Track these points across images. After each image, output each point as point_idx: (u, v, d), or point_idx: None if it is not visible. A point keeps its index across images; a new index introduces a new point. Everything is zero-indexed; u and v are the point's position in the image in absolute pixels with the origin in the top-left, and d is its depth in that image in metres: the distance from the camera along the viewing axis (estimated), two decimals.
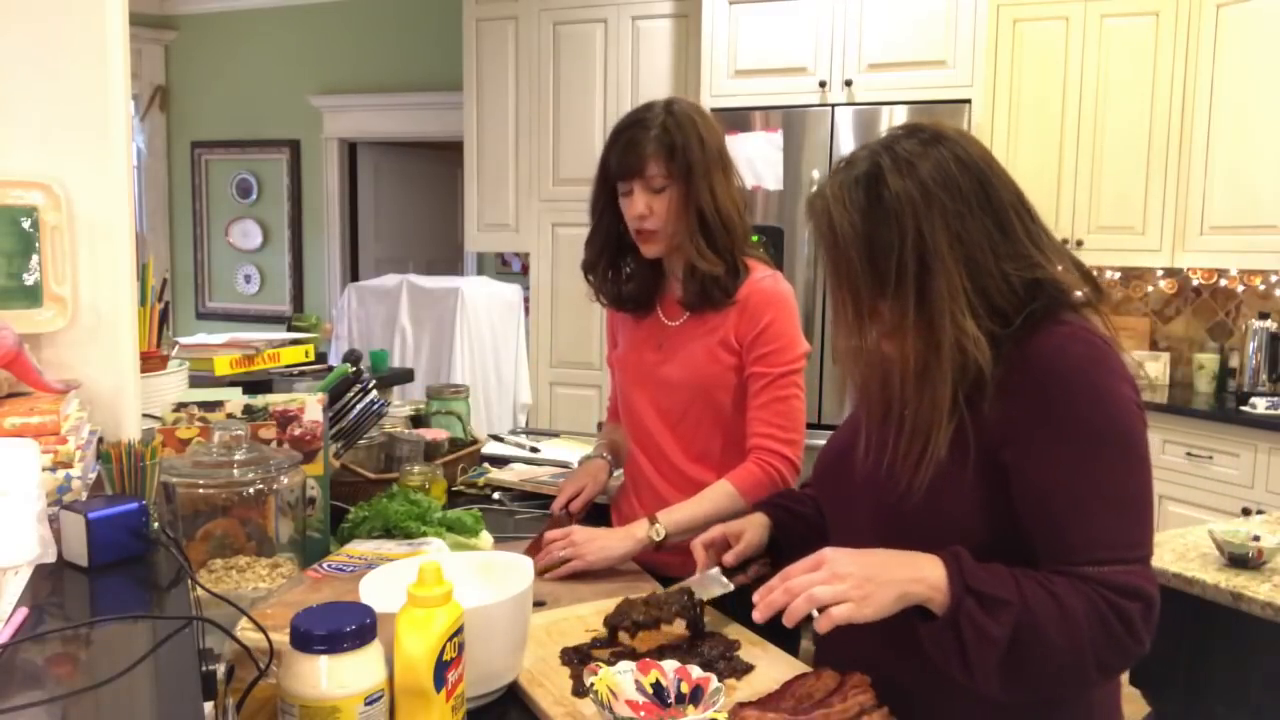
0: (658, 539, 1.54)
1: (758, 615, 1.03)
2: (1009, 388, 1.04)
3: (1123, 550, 1.01)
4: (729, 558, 1.31)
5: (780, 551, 1.34)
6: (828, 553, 1.04)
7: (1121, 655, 1.01)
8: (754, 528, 1.35)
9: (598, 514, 1.84)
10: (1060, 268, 1.09)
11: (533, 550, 1.59)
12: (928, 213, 1.05)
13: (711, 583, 1.29)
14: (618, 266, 1.76)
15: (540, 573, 1.52)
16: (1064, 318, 1.07)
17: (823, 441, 1.34)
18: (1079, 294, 1.10)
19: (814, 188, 1.14)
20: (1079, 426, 1.02)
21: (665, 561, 1.58)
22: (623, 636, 1.23)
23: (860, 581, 0.99)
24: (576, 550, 1.53)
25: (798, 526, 1.36)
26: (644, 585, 1.48)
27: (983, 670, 0.98)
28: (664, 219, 1.63)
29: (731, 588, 1.29)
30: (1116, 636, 0.99)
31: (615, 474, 1.97)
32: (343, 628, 0.86)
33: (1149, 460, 1.06)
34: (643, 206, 1.62)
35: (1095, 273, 1.15)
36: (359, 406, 1.84)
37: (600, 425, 2.14)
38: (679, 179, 1.62)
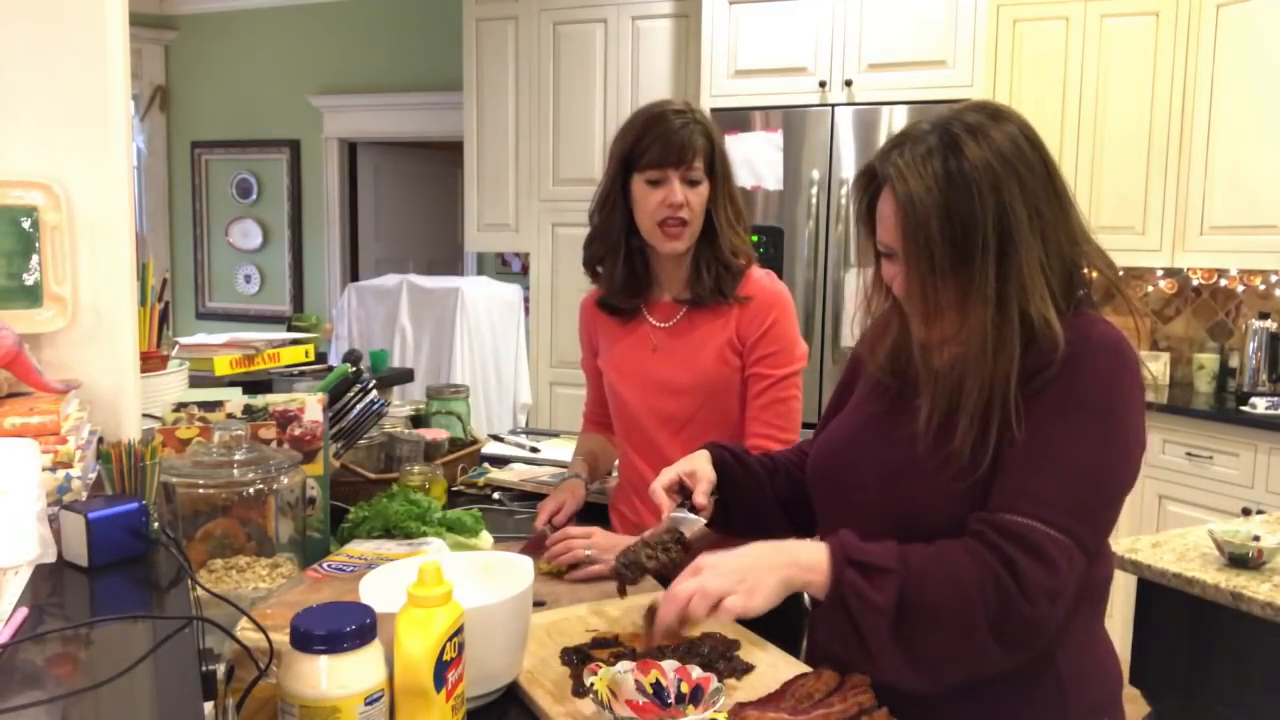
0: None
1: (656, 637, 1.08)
2: (1034, 371, 1.03)
3: (1049, 511, 0.99)
4: (699, 498, 1.26)
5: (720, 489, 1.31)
6: (705, 558, 1.07)
7: (1011, 614, 0.97)
8: (703, 462, 1.31)
9: (597, 515, 1.83)
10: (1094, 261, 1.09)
11: (529, 551, 1.59)
12: (1009, 183, 1.02)
13: (683, 521, 1.27)
14: (626, 262, 1.73)
15: (561, 569, 1.52)
16: (1090, 311, 1.08)
17: None
18: (1103, 291, 1.11)
19: (857, 170, 1.14)
20: (1068, 394, 1.02)
21: None
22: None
23: (743, 575, 1.03)
24: (601, 555, 1.51)
25: (737, 469, 1.33)
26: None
27: (877, 642, 0.98)
28: (697, 211, 1.65)
29: (703, 521, 1.28)
30: (1005, 590, 0.96)
31: (611, 476, 1.97)
32: (343, 628, 0.85)
33: (1131, 455, 1.04)
34: (680, 196, 1.63)
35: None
36: (359, 406, 1.84)
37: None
38: (711, 176, 1.66)
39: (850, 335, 3.59)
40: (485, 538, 1.59)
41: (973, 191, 1.01)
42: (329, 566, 1.27)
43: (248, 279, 5.89)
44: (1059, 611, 0.99)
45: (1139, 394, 1.05)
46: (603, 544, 1.53)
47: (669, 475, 1.29)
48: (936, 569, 0.99)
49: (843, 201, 3.63)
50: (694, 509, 1.27)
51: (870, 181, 1.12)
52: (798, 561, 1.04)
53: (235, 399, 1.46)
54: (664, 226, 1.64)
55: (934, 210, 1.02)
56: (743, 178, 3.67)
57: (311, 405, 1.47)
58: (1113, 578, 1.17)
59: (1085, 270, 1.09)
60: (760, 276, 1.70)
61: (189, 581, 1.01)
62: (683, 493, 1.29)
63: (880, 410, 1.19)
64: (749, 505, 1.34)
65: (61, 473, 1.09)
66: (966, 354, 1.05)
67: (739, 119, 3.73)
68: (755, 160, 3.71)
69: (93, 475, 1.18)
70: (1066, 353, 1.02)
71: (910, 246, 1.05)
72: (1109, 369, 1.03)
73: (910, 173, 1.03)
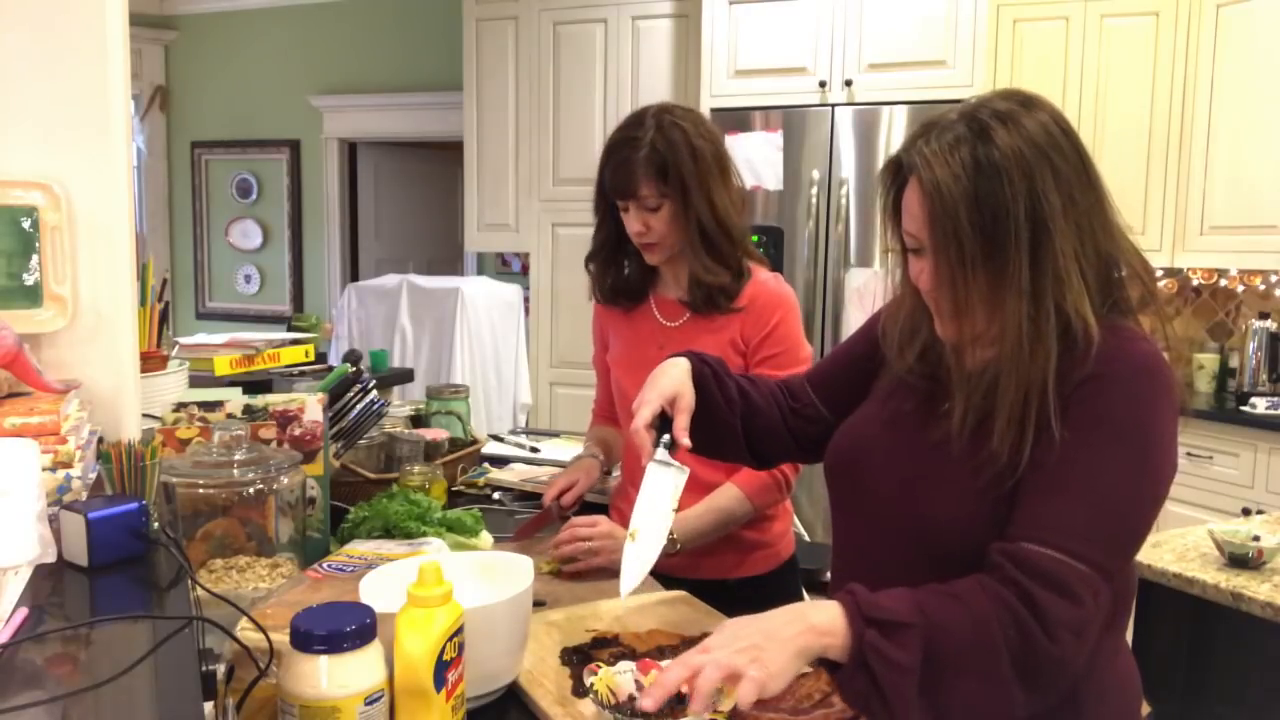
0: (673, 551, 1.53)
1: (648, 703, 0.91)
2: (1067, 376, 1.00)
3: (1072, 541, 0.94)
4: (680, 431, 1.18)
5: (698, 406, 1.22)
6: (711, 637, 0.97)
7: (1034, 653, 0.92)
8: (685, 385, 1.22)
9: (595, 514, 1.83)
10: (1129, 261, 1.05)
11: (525, 533, 1.60)
12: (1041, 170, 0.98)
13: (664, 477, 1.17)
14: (619, 262, 1.77)
15: (562, 561, 1.52)
16: (1125, 320, 1.04)
17: None
18: (1137, 294, 1.06)
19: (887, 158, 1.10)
20: (1100, 416, 0.98)
21: (673, 564, 1.57)
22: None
23: (755, 653, 0.92)
24: (603, 545, 1.51)
25: (715, 391, 1.26)
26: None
27: (902, 701, 0.91)
28: (662, 234, 1.64)
29: (686, 470, 1.18)
30: (1026, 629, 0.91)
31: (612, 475, 1.97)
32: (343, 628, 0.85)
33: (1161, 486, 1.00)
34: (639, 225, 1.64)
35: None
36: (359, 406, 1.84)
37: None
38: (673, 196, 1.61)
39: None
40: (485, 538, 1.59)
41: (1003, 179, 0.98)
42: (329, 566, 1.27)
43: (248, 279, 5.89)
44: (1085, 646, 0.95)
45: (1174, 419, 1.01)
46: (607, 534, 1.54)
47: (652, 407, 1.19)
48: (955, 615, 0.93)
49: (843, 201, 3.63)
50: (673, 442, 1.18)
51: (897, 172, 1.08)
52: (812, 627, 0.95)
53: (235, 399, 1.46)
54: (638, 245, 1.68)
55: (962, 199, 0.98)
56: (743, 178, 3.67)
57: (311, 405, 1.47)
58: (1136, 590, 1.12)
59: (1121, 272, 1.05)
60: (766, 280, 1.69)
61: (189, 581, 1.01)
62: (662, 420, 1.20)
63: (905, 410, 1.15)
64: (715, 431, 1.27)
65: (61, 473, 1.09)
66: (1001, 353, 1.02)
67: (739, 119, 3.73)
68: (755, 160, 3.71)
69: (93, 475, 1.18)
70: (1100, 370, 0.98)
71: (938, 237, 1.01)
72: (1145, 393, 0.99)
73: (937, 161, 1.00)
